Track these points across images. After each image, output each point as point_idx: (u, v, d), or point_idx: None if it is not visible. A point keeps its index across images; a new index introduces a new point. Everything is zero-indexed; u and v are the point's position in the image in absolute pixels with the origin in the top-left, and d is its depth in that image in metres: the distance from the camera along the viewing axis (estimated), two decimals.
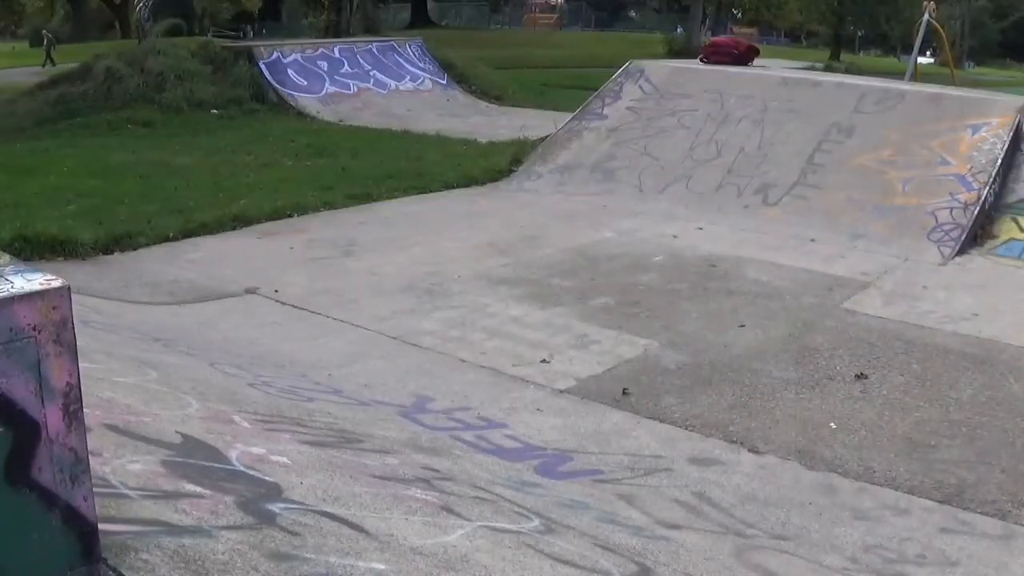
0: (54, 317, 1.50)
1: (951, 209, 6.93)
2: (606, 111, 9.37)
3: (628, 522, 2.90)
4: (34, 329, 1.48)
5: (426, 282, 5.88)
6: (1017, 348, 4.87)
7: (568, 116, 9.87)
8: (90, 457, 1.61)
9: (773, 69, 11.38)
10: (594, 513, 2.92)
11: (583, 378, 4.42)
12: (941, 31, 14.11)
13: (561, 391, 4.28)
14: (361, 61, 15.80)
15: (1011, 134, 7.28)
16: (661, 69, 9.93)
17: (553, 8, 53.17)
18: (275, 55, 14.86)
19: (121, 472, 2.03)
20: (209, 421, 2.76)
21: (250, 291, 5.71)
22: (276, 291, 5.68)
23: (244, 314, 5.35)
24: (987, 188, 6.95)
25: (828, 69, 24.24)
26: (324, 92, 14.77)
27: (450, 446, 3.40)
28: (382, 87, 15.63)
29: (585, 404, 4.16)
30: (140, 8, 16.34)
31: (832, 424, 3.99)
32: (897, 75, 15.65)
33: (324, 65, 15.24)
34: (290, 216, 7.63)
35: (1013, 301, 5.69)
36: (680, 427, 3.95)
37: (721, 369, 4.57)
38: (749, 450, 3.76)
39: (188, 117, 13.22)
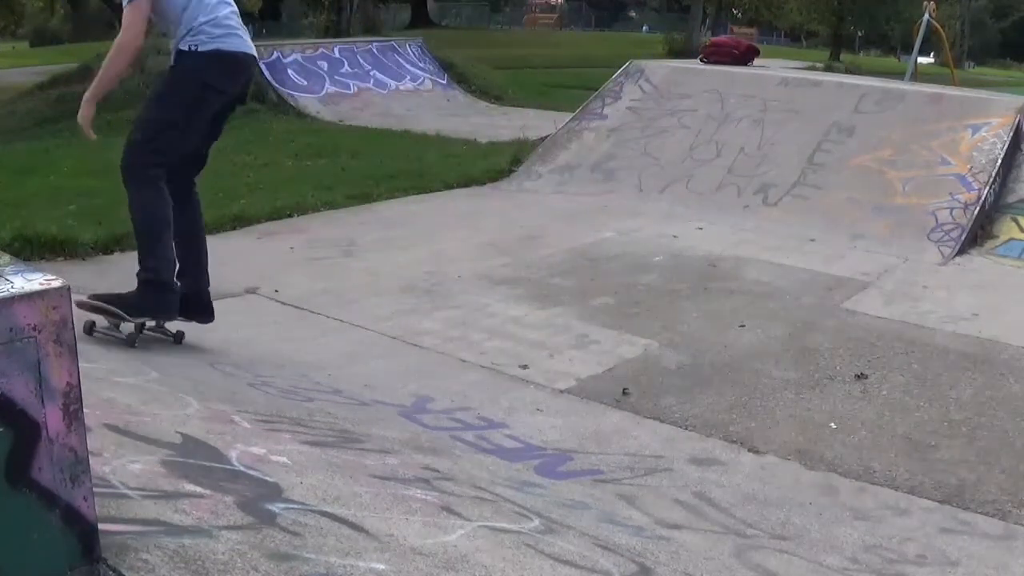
0: (54, 317, 1.50)
1: (951, 209, 6.93)
2: (606, 111, 9.37)
3: (628, 522, 2.90)
4: (34, 329, 1.48)
5: (426, 282, 5.88)
6: (1017, 348, 4.87)
7: (568, 116, 9.87)
8: (90, 457, 1.61)
9: (773, 69, 11.39)
10: (594, 513, 2.92)
11: (583, 378, 4.42)
12: (941, 31, 14.12)
13: (561, 391, 4.28)
14: (361, 61, 15.81)
15: (1011, 134, 7.29)
16: (661, 69, 9.93)
17: (553, 8, 53.22)
18: (275, 55, 14.85)
19: (121, 472, 2.03)
20: (209, 421, 2.76)
21: (250, 291, 5.70)
22: (276, 291, 5.67)
23: (244, 314, 5.34)
24: (987, 188, 6.95)
25: (828, 69, 24.27)
26: (324, 92, 14.77)
27: (450, 446, 3.40)
28: (382, 87, 15.64)
29: (585, 404, 4.16)
30: None
31: (832, 424, 3.99)
32: (897, 75, 15.66)
33: (324, 65, 15.24)
34: (290, 216, 7.63)
35: (1013, 301, 5.69)
36: (680, 427, 3.95)
37: (721, 369, 4.57)
38: (749, 450, 3.76)
39: None
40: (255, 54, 4.09)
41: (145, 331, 4.04)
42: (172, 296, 3.98)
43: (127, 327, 3.96)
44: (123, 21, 3.84)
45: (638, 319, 5.26)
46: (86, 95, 4.00)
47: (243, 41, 3.98)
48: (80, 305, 3.71)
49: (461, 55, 18.64)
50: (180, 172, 4.04)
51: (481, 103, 16.35)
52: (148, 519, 1.83)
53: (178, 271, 4.05)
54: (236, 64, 3.96)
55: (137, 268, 4.01)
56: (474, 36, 34.79)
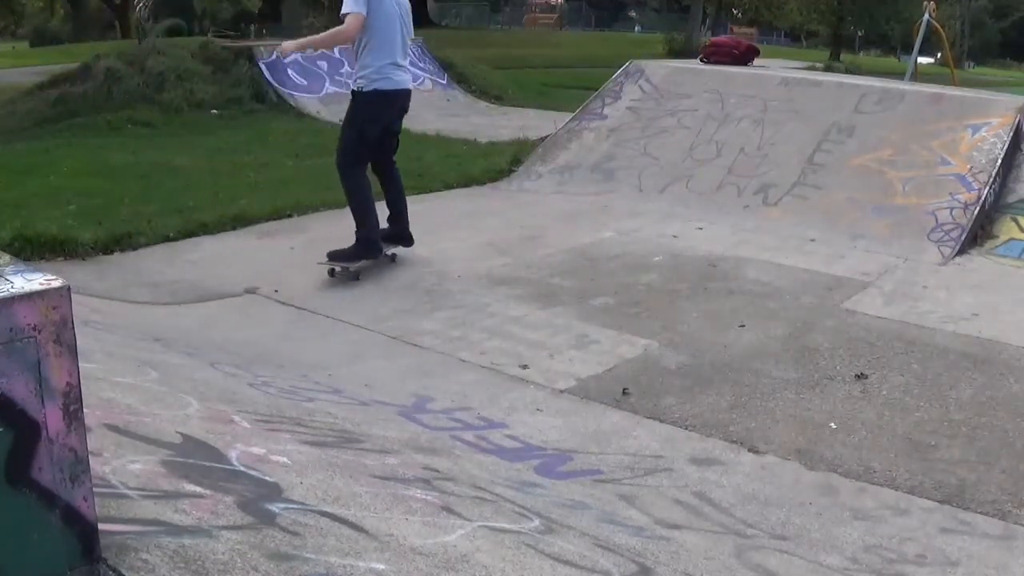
0: (54, 317, 1.50)
1: (951, 209, 6.93)
2: (606, 111, 9.37)
3: (628, 522, 2.90)
4: (34, 329, 1.48)
5: (426, 282, 5.88)
6: (1017, 348, 4.87)
7: (568, 116, 9.87)
8: (90, 457, 1.61)
9: (773, 69, 11.38)
10: (594, 513, 2.92)
11: (583, 378, 4.42)
12: (941, 31, 14.12)
13: (561, 391, 4.28)
14: None
15: (1011, 134, 7.28)
16: (661, 69, 9.93)
17: (553, 8, 53.22)
18: (275, 55, 14.85)
19: (121, 472, 2.03)
20: (209, 421, 2.76)
21: (250, 291, 5.70)
22: (276, 291, 5.68)
23: (244, 314, 5.35)
24: (987, 188, 6.95)
25: (828, 69, 24.26)
26: (324, 92, 14.76)
27: (450, 446, 3.40)
28: None
29: (585, 404, 4.16)
30: (140, 8, 16.33)
31: (832, 424, 3.99)
32: (897, 75, 15.66)
33: (324, 65, 15.22)
34: (290, 216, 7.63)
35: (1013, 301, 5.69)
36: (680, 427, 3.95)
37: (721, 369, 4.57)
38: (749, 450, 3.76)
39: (188, 117, 13.21)
40: (407, 87, 5.98)
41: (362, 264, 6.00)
42: (377, 244, 5.98)
43: (355, 266, 5.94)
44: (345, 22, 5.63)
45: (638, 319, 5.26)
46: (299, 41, 6.34)
47: (395, 81, 5.79)
48: (330, 257, 5.89)
49: (461, 55, 18.62)
50: (377, 159, 6.07)
51: (481, 103, 16.34)
52: (148, 519, 1.83)
53: (389, 216, 6.18)
54: (389, 99, 5.81)
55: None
56: (474, 36, 34.76)
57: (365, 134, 5.81)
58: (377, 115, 5.80)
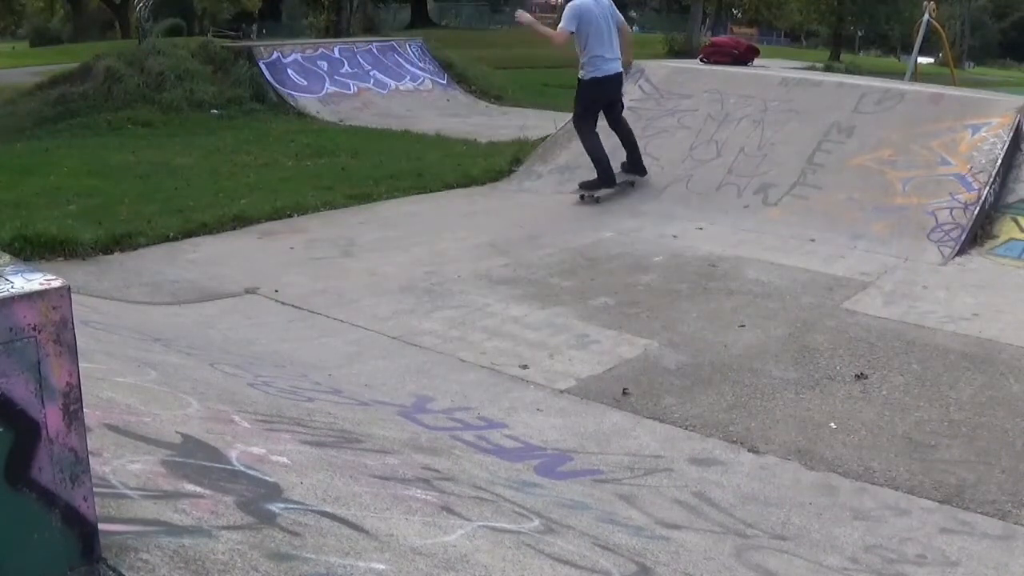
0: (54, 317, 1.50)
1: (951, 209, 6.92)
2: None
3: (628, 522, 2.90)
4: (34, 329, 1.48)
5: (426, 282, 5.88)
6: (1017, 348, 4.87)
7: (568, 116, 9.85)
8: (90, 457, 1.61)
9: (773, 69, 11.38)
10: (594, 513, 2.92)
11: (583, 378, 4.42)
12: (941, 31, 14.12)
13: (561, 391, 4.28)
14: (361, 61, 15.81)
15: (1011, 134, 7.28)
16: (661, 69, 9.92)
17: (553, 8, 53.21)
18: (275, 55, 14.86)
19: (121, 472, 2.03)
20: (209, 421, 2.76)
21: (250, 291, 5.71)
22: (276, 291, 5.68)
23: (244, 314, 5.35)
24: (987, 188, 6.95)
25: (828, 69, 24.28)
26: (324, 92, 14.77)
27: (450, 446, 3.40)
28: (382, 87, 15.63)
29: (585, 404, 4.16)
30: (140, 8, 16.33)
31: (832, 424, 3.99)
32: (897, 75, 15.65)
33: (324, 65, 15.24)
34: (290, 216, 7.64)
35: (1013, 301, 5.69)
36: (680, 427, 3.95)
37: (721, 369, 4.57)
38: (749, 450, 3.76)
39: (188, 117, 13.22)
40: (617, 71, 7.82)
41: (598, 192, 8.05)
42: (611, 176, 7.98)
43: (598, 193, 8.00)
44: (558, 33, 7.73)
45: (638, 319, 5.26)
46: (533, 21, 8.19)
47: (606, 68, 7.71)
48: (580, 186, 8.09)
49: (461, 55, 18.63)
50: (606, 117, 8.04)
51: (481, 103, 16.35)
52: (148, 519, 1.83)
53: (627, 155, 8.14)
54: (603, 83, 7.77)
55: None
56: (474, 36, 34.78)
57: (588, 108, 7.92)
58: (595, 95, 7.84)
